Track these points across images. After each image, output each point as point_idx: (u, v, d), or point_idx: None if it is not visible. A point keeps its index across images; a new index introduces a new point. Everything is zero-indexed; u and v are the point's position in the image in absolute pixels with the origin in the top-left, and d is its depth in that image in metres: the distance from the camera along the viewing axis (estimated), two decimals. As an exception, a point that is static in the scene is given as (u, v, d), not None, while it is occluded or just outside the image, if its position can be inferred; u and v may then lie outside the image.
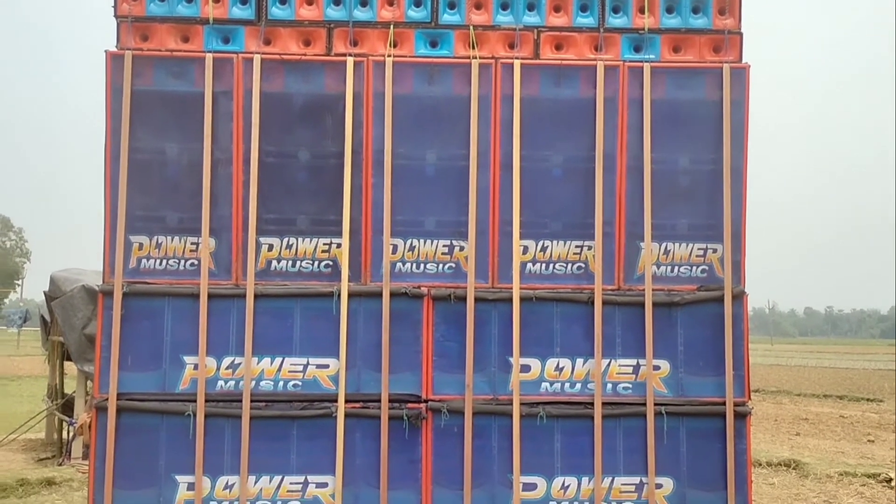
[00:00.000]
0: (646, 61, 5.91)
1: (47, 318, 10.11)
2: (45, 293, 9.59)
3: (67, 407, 9.35)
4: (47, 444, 10.07)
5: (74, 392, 9.14)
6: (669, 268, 5.92)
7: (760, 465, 8.69)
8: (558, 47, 5.94)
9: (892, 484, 7.77)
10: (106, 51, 5.74)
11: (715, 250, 5.93)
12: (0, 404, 15.15)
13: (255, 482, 5.57)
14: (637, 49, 5.97)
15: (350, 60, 5.78)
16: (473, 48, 5.87)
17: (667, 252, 5.92)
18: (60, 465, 8.44)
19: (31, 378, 20.77)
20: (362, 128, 5.80)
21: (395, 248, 5.78)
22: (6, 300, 69.70)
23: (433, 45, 5.90)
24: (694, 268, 5.93)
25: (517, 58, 5.86)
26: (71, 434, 8.68)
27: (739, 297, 5.88)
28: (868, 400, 18.76)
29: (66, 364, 10.24)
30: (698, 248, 5.94)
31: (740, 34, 5.99)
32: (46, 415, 10.09)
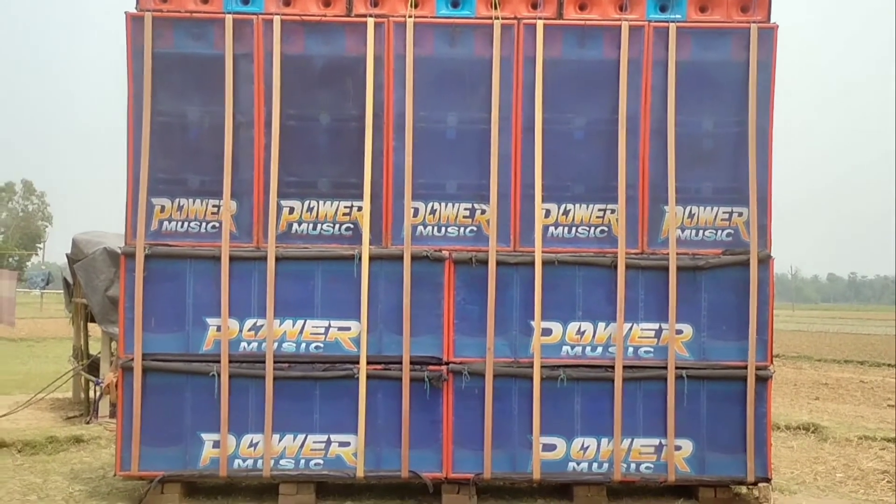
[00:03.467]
0: (671, 21, 5.81)
1: (70, 280, 10.23)
2: (67, 256, 9.68)
3: (93, 367, 9.47)
4: (74, 403, 10.23)
5: (99, 353, 9.26)
6: (694, 231, 5.87)
7: (779, 428, 8.67)
8: (582, 7, 5.84)
9: (913, 449, 7.74)
10: (126, 12, 5.72)
11: (740, 214, 5.87)
12: (27, 365, 15.39)
13: (279, 441, 5.64)
14: (663, 9, 5.86)
15: (370, 21, 5.72)
16: (496, 8, 5.78)
17: (691, 215, 5.87)
18: (88, 423, 8.57)
19: (55, 339, 21.07)
20: (383, 90, 5.76)
21: (416, 211, 5.77)
22: (29, 263, 70.63)
23: (455, 5, 5.82)
24: (719, 231, 5.88)
25: (540, 18, 5.77)
26: (97, 393, 8.81)
27: (765, 262, 5.83)
28: (889, 365, 18.60)
29: (91, 325, 10.37)
30: (723, 212, 5.89)
31: (769, -7, 5.86)
32: (73, 375, 10.24)
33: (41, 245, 74.60)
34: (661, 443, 5.73)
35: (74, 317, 10.73)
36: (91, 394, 9.49)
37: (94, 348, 10.35)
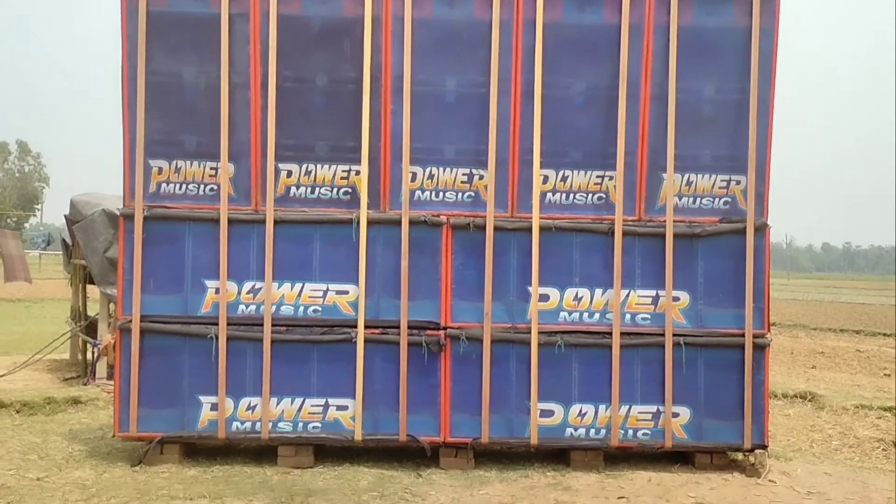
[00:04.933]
0: (674, -15, 5.73)
1: (69, 241, 10.21)
2: (65, 217, 9.65)
3: (91, 328, 9.49)
4: (72, 364, 10.27)
5: (97, 314, 9.27)
6: (691, 199, 5.86)
7: (776, 396, 8.73)
8: (584, -30, 5.76)
9: (907, 417, 7.81)
10: (121, -30, 5.63)
11: (738, 182, 5.85)
12: (25, 325, 15.43)
13: (277, 404, 5.67)
14: (666, -28, 5.78)
15: (370, -18, 5.64)
16: (497, -30, 5.70)
17: (689, 183, 5.85)
18: (85, 384, 8.60)
19: (53, 300, 21.10)
20: (381, 52, 5.70)
21: (414, 175, 5.75)
22: (27, 224, 70.50)
23: (455, -34, 5.74)
24: (716, 199, 5.87)
25: (541, -20, 5.69)
26: (95, 355, 8.84)
27: (762, 230, 5.83)
28: (885, 335, 18.68)
29: (89, 287, 10.37)
30: (721, 180, 5.87)
31: (773, -43, 5.78)
32: (70, 336, 10.27)
33: (39, 206, 74.42)
34: (658, 409, 5.77)
35: (73, 278, 10.73)
36: (88, 355, 9.53)
37: (93, 309, 10.37)
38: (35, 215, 73.67)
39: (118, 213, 5.86)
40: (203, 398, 5.68)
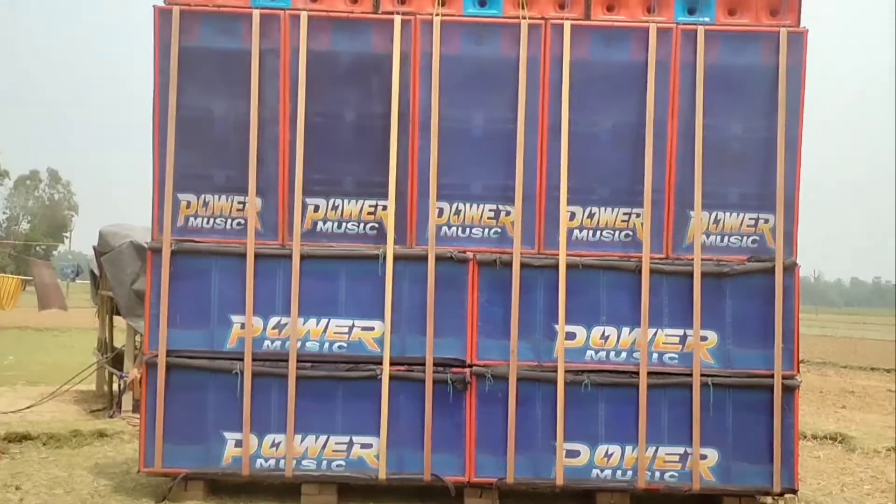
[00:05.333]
0: (700, 24, 5.74)
1: (97, 272, 10.32)
2: (94, 248, 9.77)
3: (117, 360, 9.55)
4: (98, 395, 10.32)
5: (124, 346, 9.33)
6: (719, 237, 5.81)
7: (806, 437, 8.55)
8: (610, 8, 5.79)
9: (942, 461, 7.62)
10: (154, 6, 5.74)
11: (766, 220, 5.79)
12: (53, 354, 15.57)
13: (301, 441, 5.64)
14: (691, 11, 5.80)
15: (398, 19, 5.70)
16: (523, 8, 5.74)
17: (717, 221, 5.80)
18: (111, 417, 8.64)
19: (80, 330, 21.28)
20: (409, 88, 5.74)
21: (440, 211, 5.75)
22: (55, 252, 71.49)
23: (482, 4, 5.79)
24: (744, 238, 5.81)
25: (567, 19, 5.73)
26: (121, 387, 8.89)
27: (791, 269, 5.75)
28: (916, 373, 18.37)
29: (116, 318, 10.46)
30: (749, 218, 5.81)
31: (799, -4, 5.78)
32: (97, 368, 10.34)
33: (67, 234, 75.38)
34: (686, 451, 5.67)
35: (100, 309, 10.83)
36: (114, 387, 9.57)
37: (119, 341, 10.44)
38: (64, 243, 74.67)
39: (146, 245, 5.91)
40: (228, 434, 5.66)
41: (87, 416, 9.11)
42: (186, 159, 5.75)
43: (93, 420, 8.62)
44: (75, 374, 9.86)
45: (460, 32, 5.75)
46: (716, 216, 5.82)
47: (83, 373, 9.92)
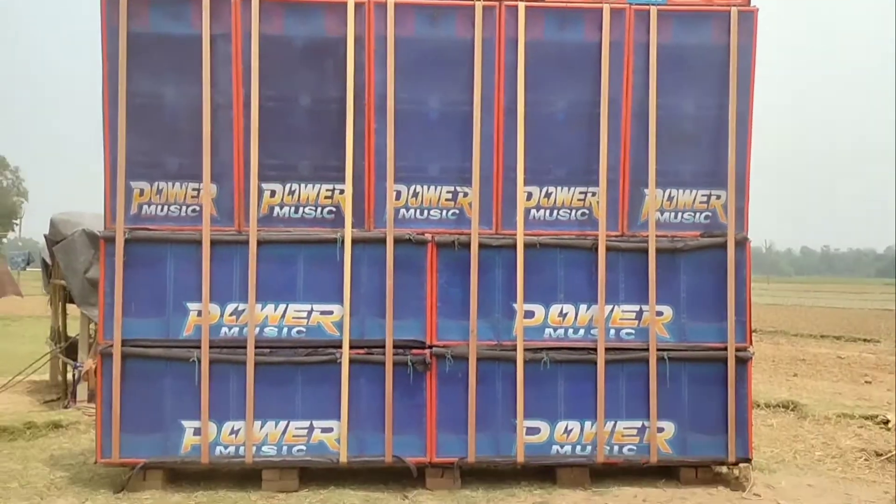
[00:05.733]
0: (652, 4, 5.79)
1: (48, 261, 10.11)
2: (45, 236, 9.55)
3: (71, 349, 9.38)
4: (52, 385, 10.14)
5: (77, 335, 9.17)
6: (673, 214, 5.90)
7: (759, 406, 8.78)
8: (564, -12, 5.80)
9: (889, 426, 7.88)
10: (101, -9, 5.59)
11: (718, 196, 5.90)
12: (3, 343, 15.25)
13: (261, 427, 5.62)
14: (645, -9, 5.83)
15: (351, 2, 5.64)
16: (478, -11, 5.72)
17: (670, 198, 5.89)
18: (66, 407, 8.50)
19: (32, 318, 20.86)
20: (364, 71, 5.70)
21: (398, 194, 5.74)
22: (4, 240, 69.63)
23: (436, -15, 5.75)
24: (697, 214, 5.91)
25: (522, 0, 5.72)
26: (76, 377, 8.74)
27: (742, 244, 5.88)
28: (864, 340, 18.89)
29: (69, 307, 10.27)
30: (702, 195, 5.92)
31: (750, -25, 5.85)
32: (50, 358, 10.15)
33: (17, 221, 73.53)
34: (643, 425, 5.78)
35: (52, 298, 10.62)
36: (69, 377, 9.42)
37: (73, 330, 10.25)
38: (13, 231, 72.83)
39: (99, 234, 5.80)
40: (186, 423, 5.62)
41: (40, 406, 8.96)
42: (138, 146, 5.64)
43: (47, 411, 8.48)
44: (28, 365, 9.68)
45: (415, 14, 5.72)
46: (669, 193, 5.91)
47: (36, 363, 9.74)
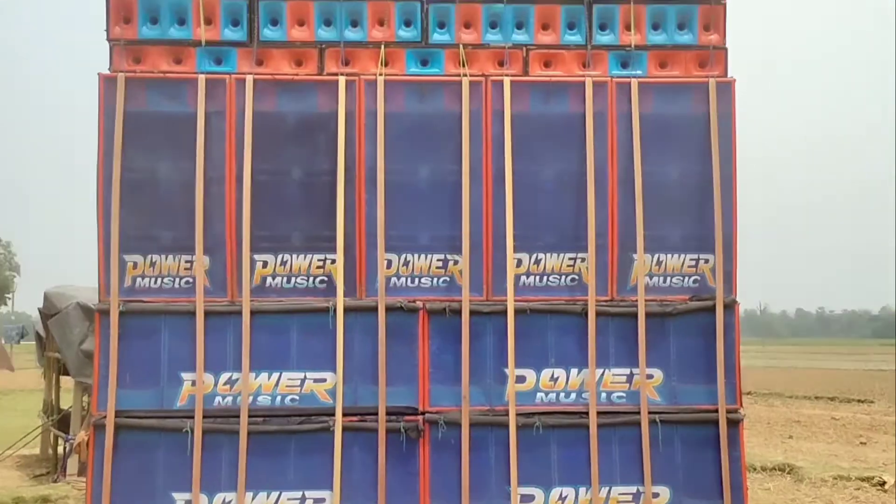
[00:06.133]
0: (633, 77, 6.00)
1: (42, 334, 10.15)
2: (39, 310, 9.62)
3: (63, 422, 9.37)
4: (42, 459, 10.08)
5: (70, 407, 9.15)
6: (662, 278, 6.00)
7: (755, 469, 8.78)
8: (547, 64, 6.02)
9: (886, 487, 7.86)
10: (99, 73, 5.78)
11: (707, 260, 6.01)
12: (-6, 419, 15.15)
13: (253, 499, 5.59)
14: (624, 65, 6.06)
15: (342, 79, 5.84)
16: (463, 66, 5.94)
17: (659, 263, 6.00)
18: (55, 481, 8.45)
19: (24, 392, 20.75)
20: (355, 145, 5.86)
21: (389, 262, 5.84)
22: (-3, 314, 69.38)
23: (424, 63, 5.97)
24: (686, 278, 6.01)
25: (507, 75, 5.94)
26: (67, 449, 8.69)
27: (731, 307, 5.96)
28: (859, 401, 18.89)
29: (63, 379, 10.27)
30: (690, 259, 6.03)
31: (725, 49, 6.09)
32: (42, 431, 10.10)
33: (10, 296, 73.29)
34: (638, 490, 5.77)
35: (46, 370, 10.63)
36: (59, 450, 9.36)
37: (66, 402, 10.22)
38: (6, 305, 72.54)
39: (93, 307, 5.87)
40: (177, 495, 5.58)
41: (30, 481, 8.90)
42: (132, 221, 5.75)
43: (36, 486, 8.43)
44: (19, 439, 9.62)
45: (403, 90, 5.91)
46: (658, 258, 6.02)
47: (28, 436, 9.68)
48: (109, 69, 5.82)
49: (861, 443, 11.87)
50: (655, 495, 5.77)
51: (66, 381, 9.85)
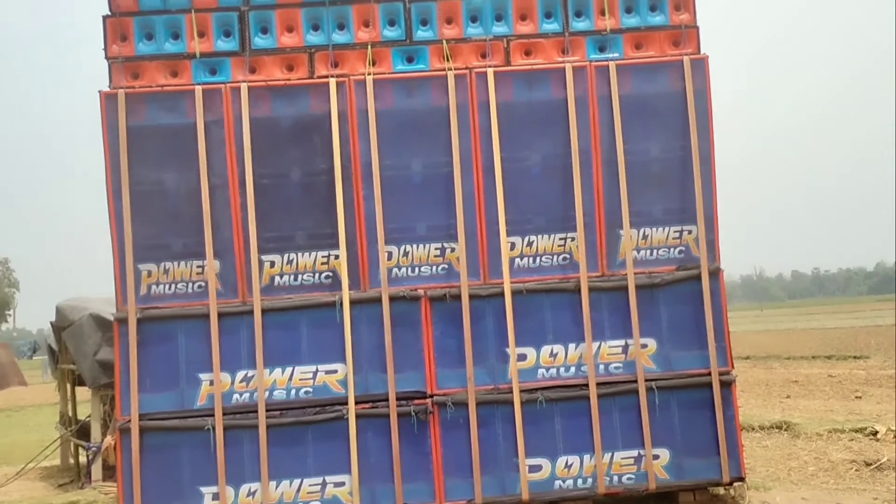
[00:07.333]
0: (611, 60, 6.26)
1: (55, 347, 10.39)
2: (51, 323, 9.85)
3: (82, 432, 9.62)
4: (63, 469, 10.32)
5: (88, 416, 9.40)
6: (649, 251, 6.28)
7: (753, 429, 9.08)
8: (528, 53, 6.28)
9: (878, 436, 8.17)
10: (100, 91, 6.03)
11: (690, 231, 6.29)
12: (9, 435, 15.36)
13: (276, 487, 5.89)
14: (601, 49, 6.33)
15: (332, 81, 6.09)
16: (448, 61, 6.20)
17: (645, 237, 6.28)
18: (81, 488, 8.68)
19: (34, 407, 20.95)
20: (349, 143, 6.12)
21: (390, 254, 6.11)
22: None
23: (409, 60, 6.23)
24: (671, 249, 6.30)
25: (490, 66, 6.20)
26: (90, 456, 8.95)
27: (716, 274, 6.26)
28: (855, 357, 19.21)
29: (78, 389, 10.50)
30: (674, 231, 6.31)
31: (697, 27, 6.37)
32: (62, 441, 10.35)
33: (10, 312, 73.39)
34: (639, 453, 6.08)
35: (60, 382, 10.85)
36: (81, 458, 9.61)
37: (81, 412, 10.47)
38: (7, 321, 72.64)
39: (111, 317, 6.12)
40: (204, 489, 5.88)
41: (56, 490, 9.13)
42: (143, 231, 6.01)
43: (63, 494, 8.66)
44: (41, 451, 9.87)
45: (392, 88, 6.17)
46: (644, 232, 6.30)
47: (49, 447, 9.93)
48: (109, 86, 6.06)
49: (857, 397, 12.19)
50: (656, 457, 6.08)
51: (82, 392, 10.09)
